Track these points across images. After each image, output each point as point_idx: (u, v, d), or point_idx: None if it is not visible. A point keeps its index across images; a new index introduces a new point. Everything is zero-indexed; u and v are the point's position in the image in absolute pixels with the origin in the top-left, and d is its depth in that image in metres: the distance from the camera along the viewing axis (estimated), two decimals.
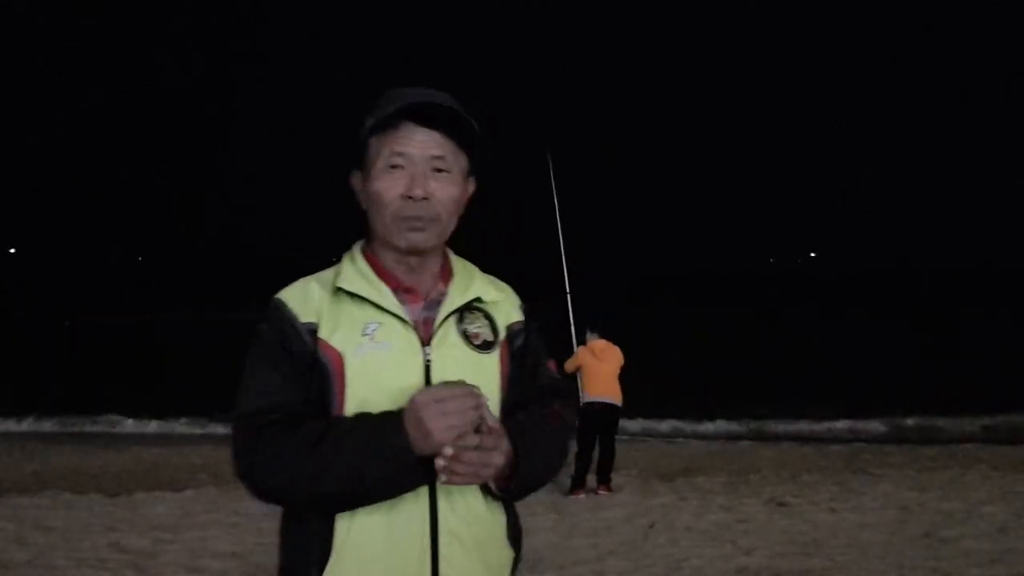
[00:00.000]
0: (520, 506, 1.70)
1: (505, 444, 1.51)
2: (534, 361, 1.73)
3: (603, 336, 8.35)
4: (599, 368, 8.11)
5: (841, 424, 13.53)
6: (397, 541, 1.53)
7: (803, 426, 13.65)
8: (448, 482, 1.48)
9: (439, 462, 1.46)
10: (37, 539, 5.97)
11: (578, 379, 8.20)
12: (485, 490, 1.58)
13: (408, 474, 1.49)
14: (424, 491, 1.53)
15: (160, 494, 7.94)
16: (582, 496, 7.68)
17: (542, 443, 1.62)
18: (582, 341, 8.42)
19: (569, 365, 8.20)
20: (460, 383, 1.50)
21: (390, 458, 1.47)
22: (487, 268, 1.79)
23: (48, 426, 15.55)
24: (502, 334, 1.68)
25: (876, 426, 13.36)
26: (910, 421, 12.41)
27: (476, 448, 1.46)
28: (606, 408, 8.03)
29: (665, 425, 14.31)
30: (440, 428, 1.44)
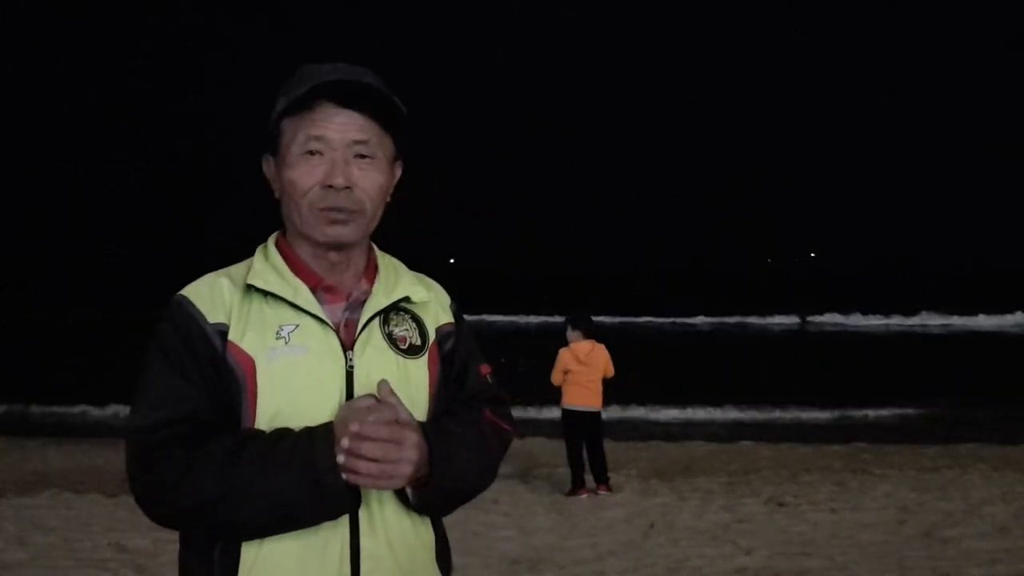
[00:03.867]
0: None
1: (416, 438, 1.35)
2: (462, 365, 1.58)
3: (588, 336, 7.88)
4: (583, 374, 7.69)
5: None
6: (312, 569, 1.36)
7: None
8: (351, 481, 1.32)
9: (339, 458, 1.31)
10: (37, 539, 5.95)
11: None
12: (403, 499, 1.42)
13: (337, 500, 1.33)
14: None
15: None
16: (583, 496, 7.66)
17: (466, 446, 1.45)
18: (564, 342, 7.93)
19: (555, 376, 7.82)
20: (383, 382, 1.38)
21: (319, 481, 1.31)
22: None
23: (48, 426, 15.52)
24: (431, 337, 1.54)
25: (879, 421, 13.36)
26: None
27: (383, 441, 1.31)
28: (586, 416, 7.78)
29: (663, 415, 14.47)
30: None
